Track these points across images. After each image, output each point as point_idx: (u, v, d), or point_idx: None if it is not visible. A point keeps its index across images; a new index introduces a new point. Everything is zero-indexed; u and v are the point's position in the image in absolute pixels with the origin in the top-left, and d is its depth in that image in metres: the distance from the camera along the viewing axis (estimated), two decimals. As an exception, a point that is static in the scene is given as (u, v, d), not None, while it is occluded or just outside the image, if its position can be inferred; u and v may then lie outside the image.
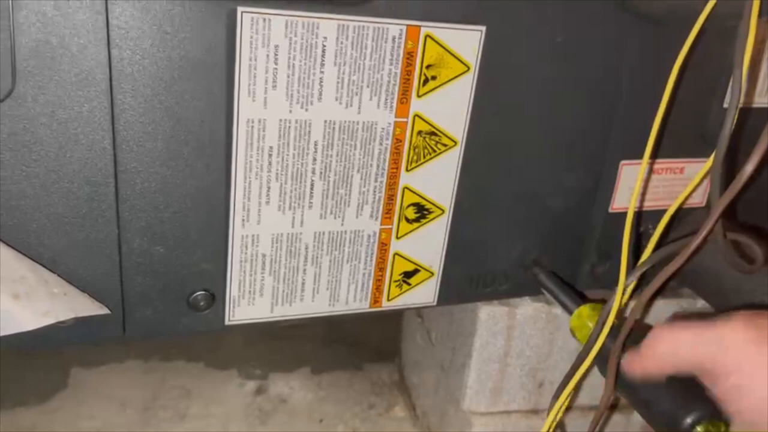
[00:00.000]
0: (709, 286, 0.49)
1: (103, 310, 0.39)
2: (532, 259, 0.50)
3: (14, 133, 0.34)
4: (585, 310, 0.46)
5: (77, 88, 0.35)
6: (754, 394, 0.32)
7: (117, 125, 0.36)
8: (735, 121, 0.33)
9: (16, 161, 0.35)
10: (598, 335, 0.41)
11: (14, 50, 0.33)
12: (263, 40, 0.37)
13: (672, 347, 0.36)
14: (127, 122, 0.36)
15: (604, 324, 0.41)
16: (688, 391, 0.36)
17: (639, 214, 0.51)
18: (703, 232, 0.34)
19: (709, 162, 0.35)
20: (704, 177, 0.38)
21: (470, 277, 0.49)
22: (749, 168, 0.32)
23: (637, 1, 0.42)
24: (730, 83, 0.34)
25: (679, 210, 0.45)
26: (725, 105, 0.46)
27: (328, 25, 0.38)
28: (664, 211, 0.47)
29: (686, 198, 0.45)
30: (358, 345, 0.74)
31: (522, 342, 0.54)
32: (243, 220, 0.41)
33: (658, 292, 0.38)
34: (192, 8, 0.35)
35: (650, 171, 0.50)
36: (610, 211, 0.50)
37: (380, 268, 0.46)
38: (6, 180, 0.35)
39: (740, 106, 0.34)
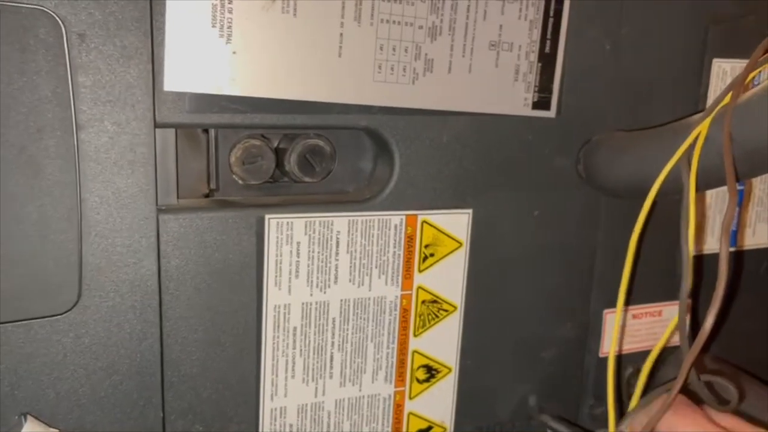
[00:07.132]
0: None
1: None
2: (537, 407, 0.54)
3: (78, 337, 0.40)
4: None
5: (132, 295, 0.40)
6: None
7: (164, 321, 0.42)
8: (689, 305, 0.39)
9: (77, 364, 0.40)
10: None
11: (81, 265, 0.39)
12: (287, 239, 0.44)
13: None
14: (171, 318, 0.42)
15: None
16: None
17: (625, 357, 0.56)
18: (680, 381, 0.39)
19: (675, 319, 0.41)
20: (673, 331, 0.43)
21: (480, 429, 0.53)
22: (708, 326, 0.37)
23: (596, 180, 0.50)
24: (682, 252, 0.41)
25: (664, 350, 0.50)
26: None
27: (340, 221, 0.45)
28: (648, 352, 0.52)
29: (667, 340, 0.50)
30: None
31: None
32: (272, 394, 0.46)
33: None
34: (227, 218, 0.42)
35: (632, 316, 0.56)
36: (600, 356, 0.55)
37: (397, 428, 0.50)
38: (67, 379, 0.40)
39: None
